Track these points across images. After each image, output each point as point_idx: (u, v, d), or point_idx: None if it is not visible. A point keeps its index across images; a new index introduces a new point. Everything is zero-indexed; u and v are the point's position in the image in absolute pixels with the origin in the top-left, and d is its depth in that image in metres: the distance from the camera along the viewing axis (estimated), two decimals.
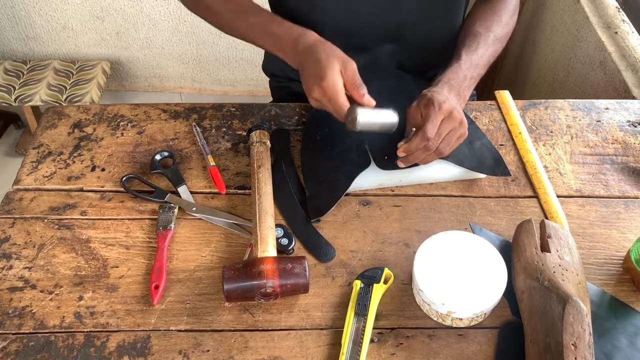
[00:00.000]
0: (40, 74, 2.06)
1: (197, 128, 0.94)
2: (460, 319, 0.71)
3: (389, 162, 0.86)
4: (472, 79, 0.88)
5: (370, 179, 0.86)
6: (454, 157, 0.87)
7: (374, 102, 0.79)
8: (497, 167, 0.88)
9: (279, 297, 0.73)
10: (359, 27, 0.98)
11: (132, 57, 2.28)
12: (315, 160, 0.89)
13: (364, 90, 0.79)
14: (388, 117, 0.80)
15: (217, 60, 2.29)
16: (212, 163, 0.89)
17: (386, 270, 0.75)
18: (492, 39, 0.92)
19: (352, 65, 0.79)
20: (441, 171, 0.88)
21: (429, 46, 1.03)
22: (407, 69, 1.03)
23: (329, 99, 0.79)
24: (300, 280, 0.72)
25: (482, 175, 0.89)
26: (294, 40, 0.84)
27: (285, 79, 1.16)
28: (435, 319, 0.72)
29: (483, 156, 0.89)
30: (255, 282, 0.71)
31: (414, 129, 0.82)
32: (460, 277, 0.71)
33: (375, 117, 0.79)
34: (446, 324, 0.72)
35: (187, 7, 0.97)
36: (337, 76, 0.78)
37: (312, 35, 0.84)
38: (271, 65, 1.17)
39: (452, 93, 0.83)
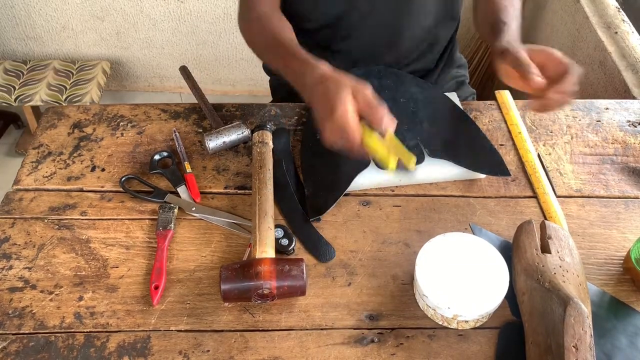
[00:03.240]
0: (40, 74, 2.06)
1: (177, 134, 0.94)
2: (466, 321, 0.71)
3: None
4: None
5: (369, 178, 0.86)
6: (454, 157, 0.87)
7: (394, 122, 0.72)
8: (497, 167, 0.88)
9: (276, 298, 0.73)
10: (362, 28, 0.98)
11: (132, 57, 2.28)
12: (315, 160, 0.89)
13: (382, 111, 0.70)
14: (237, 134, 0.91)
15: (217, 60, 2.29)
16: (189, 170, 0.88)
17: None
18: (517, 14, 0.93)
19: (365, 90, 0.72)
20: (441, 171, 0.88)
21: (429, 45, 1.03)
22: (407, 68, 1.04)
23: (342, 131, 0.70)
24: (297, 283, 0.72)
25: (482, 175, 0.89)
26: (302, 77, 0.78)
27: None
28: (440, 323, 0.72)
29: (483, 156, 0.89)
30: (252, 283, 0.70)
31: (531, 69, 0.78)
32: (463, 279, 0.71)
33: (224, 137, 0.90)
34: (452, 327, 0.72)
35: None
36: (348, 106, 0.70)
37: (319, 70, 0.75)
38: None
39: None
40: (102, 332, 0.71)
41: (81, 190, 0.87)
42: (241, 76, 2.35)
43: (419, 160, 0.86)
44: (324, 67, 0.76)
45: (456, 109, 0.96)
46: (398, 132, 0.92)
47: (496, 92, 1.03)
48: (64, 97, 1.98)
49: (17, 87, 2.00)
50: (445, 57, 1.12)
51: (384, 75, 1.00)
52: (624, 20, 1.28)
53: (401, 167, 0.73)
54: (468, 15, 1.08)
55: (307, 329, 0.72)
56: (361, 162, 0.86)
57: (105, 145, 0.93)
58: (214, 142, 0.90)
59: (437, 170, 0.88)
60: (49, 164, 0.90)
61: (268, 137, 0.90)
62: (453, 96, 0.99)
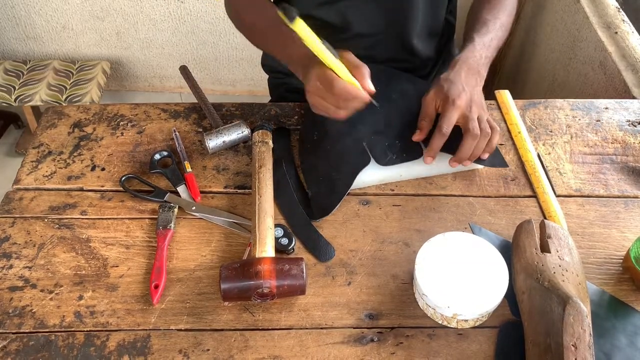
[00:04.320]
0: (40, 74, 2.06)
1: (177, 133, 0.94)
2: (466, 321, 0.71)
3: (388, 158, 0.86)
4: (487, 58, 0.89)
5: (371, 175, 0.87)
6: (452, 150, 0.87)
7: (372, 89, 0.75)
8: (494, 159, 0.89)
9: (276, 297, 0.73)
10: (359, 23, 0.99)
11: (132, 57, 2.28)
12: (315, 160, 0.89)
13: (365, 70, 0.74)
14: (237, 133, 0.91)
15: (217, 60, 2.29)
16: (189, 169, 0.89)
17: None
18: (499, 26, 0.94)
19: (349, 54, 0.76)
20: (440, 164, 0.88)
21: (420, 42, 1.04)
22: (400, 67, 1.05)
23: (327, 87, 0.74)
24: (297, 282, 0.72)
25: (480, 166, 0.89)
26: (299, 61, 0.83)
27: (283, 74, 1.16)
28: (440, 322, 0.72)
29: None
30: (252, 283, 0.71)
31: (424, 120, 0.85)
32: (462, 278, 0.71)
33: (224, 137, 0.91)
34: (452, 326, 0.72)
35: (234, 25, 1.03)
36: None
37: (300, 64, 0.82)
38: (270, 59, 1.18)
39: (470, 73, 0.85)
40: (102, 331, 0.71)
41: (81, 190, 0.87)
42: (241, 76, 2.35)
43: (417, 155, 0.87)
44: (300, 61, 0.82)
45: None
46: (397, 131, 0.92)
47: (496, 91, 1.03)
48: (64, 97, 1.98)
49: (17, 87, 2.00)
50: (443, 55, 1.13)
51: (381, 73, 1.00)
52: (624, 20, 1.28)
53: None
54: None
55: (306, 328, 0.72)
56: (361, 160, 0.86)
57: (105, 144, 0.93)
58: (214, 142, 0.90)
59: (436, 164, 0.88)
60: (49, 163, 0.90)
61: (268, 137, 0.90)
62: None
